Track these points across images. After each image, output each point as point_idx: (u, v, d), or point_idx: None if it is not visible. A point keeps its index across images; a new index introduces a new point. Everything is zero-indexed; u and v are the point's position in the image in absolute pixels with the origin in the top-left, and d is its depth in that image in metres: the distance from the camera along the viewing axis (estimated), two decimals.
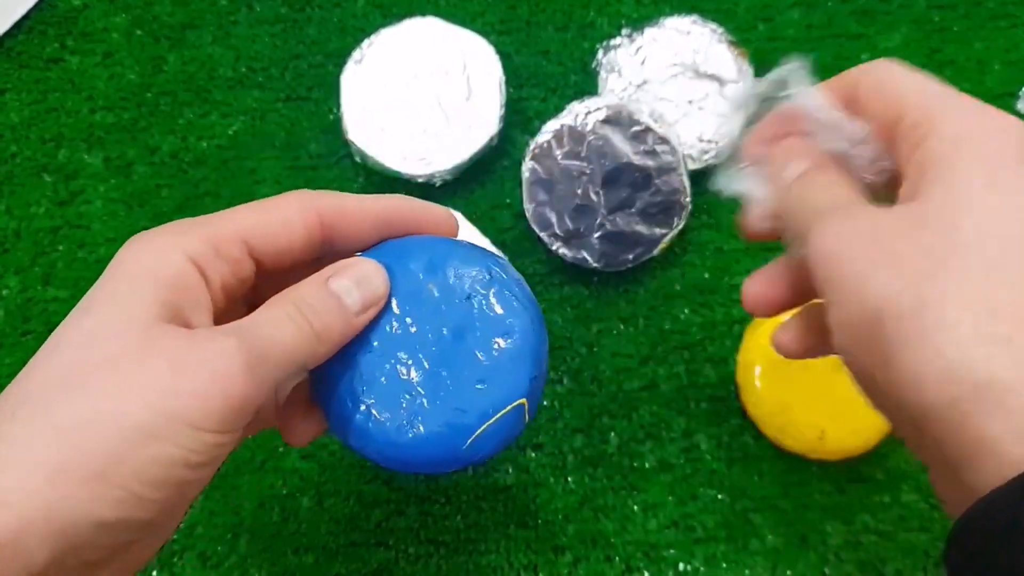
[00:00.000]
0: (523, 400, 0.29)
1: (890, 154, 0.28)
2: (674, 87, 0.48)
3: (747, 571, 0.44)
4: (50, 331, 0.50)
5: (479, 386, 0.29)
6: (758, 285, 0.32)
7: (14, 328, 0.49)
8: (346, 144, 0.50)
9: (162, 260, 0.25)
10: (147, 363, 0.23)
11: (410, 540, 0.45)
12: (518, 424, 0.30)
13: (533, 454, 0.46)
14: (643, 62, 0.48)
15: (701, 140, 0.47)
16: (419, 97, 0.47)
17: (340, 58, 0.51)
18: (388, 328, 0.29)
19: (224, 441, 0.24)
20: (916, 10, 0.51)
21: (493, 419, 0.29)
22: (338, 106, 0.49)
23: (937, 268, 0.22)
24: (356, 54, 0.48)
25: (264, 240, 0.27)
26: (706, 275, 0.48)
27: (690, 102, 0.47)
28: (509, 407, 0.29)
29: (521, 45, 0.52)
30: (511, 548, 0.45)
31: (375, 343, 0.29)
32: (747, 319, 0.47)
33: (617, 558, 0.44)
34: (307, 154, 0.51)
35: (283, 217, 0.28)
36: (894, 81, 0.27)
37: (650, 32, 0.49)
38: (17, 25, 0.53)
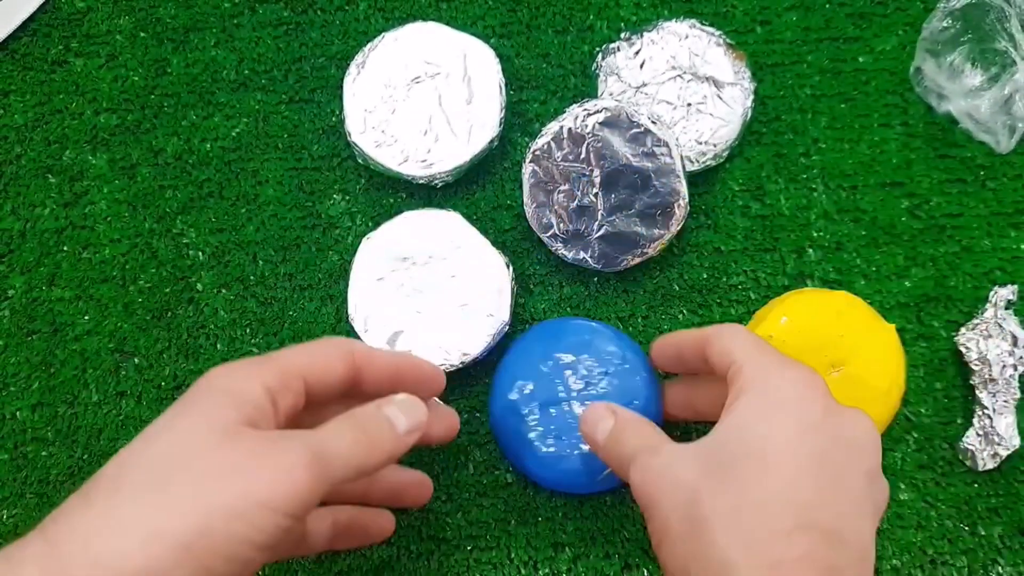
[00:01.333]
0: None
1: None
2: (672, 90, 0.48)
3: None
4: (55, 331, 0.50)
5: None
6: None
7: (19, 328, 0.49)
8: (348, 146, 0.50)
9: (244, 386, 0.31)
10: (232, 455, 0.29)
11: (412, 537, 0.45)
12: None
13: None
14: (642, 65, 0.49)
15: (699, 142, 0.48)
16: (420, 100, 0.48)
17: (343, 61, 0.52)
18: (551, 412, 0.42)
19: (287, 526, 0.29)
20: (912, 13, 0.52)
21: None
22: (340, 108, 0.49)
23: (704, 484, 0.31)
24: (358, 57, 0.49)
25: (317, 377, 0.34)
26: (704, 275, 0.49)
27: (688, 105, 0.48)
28: None
29: (521, 48, 0.52)
30: (511, 544, 0.45)
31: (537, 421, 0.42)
32: (745, 319, 0.48)
33: (616, 555, 0.45)
34: (310, 156, 0.51)
35: (330, 361, 0.34)
36: (733, 339, 0.36)
37: (648, 36, 0.49)
38: (21, 27, 0.54)
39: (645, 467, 0.34)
